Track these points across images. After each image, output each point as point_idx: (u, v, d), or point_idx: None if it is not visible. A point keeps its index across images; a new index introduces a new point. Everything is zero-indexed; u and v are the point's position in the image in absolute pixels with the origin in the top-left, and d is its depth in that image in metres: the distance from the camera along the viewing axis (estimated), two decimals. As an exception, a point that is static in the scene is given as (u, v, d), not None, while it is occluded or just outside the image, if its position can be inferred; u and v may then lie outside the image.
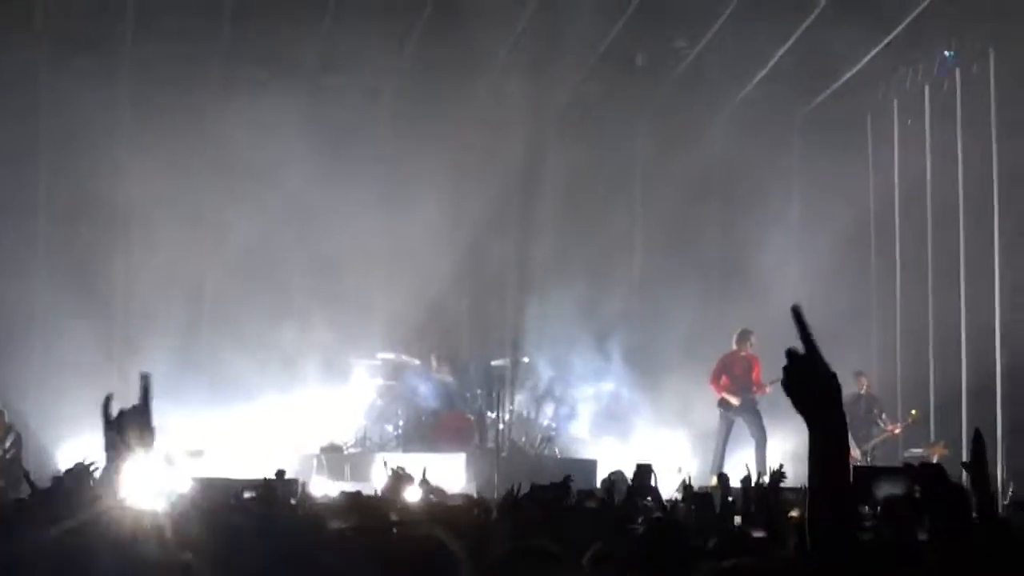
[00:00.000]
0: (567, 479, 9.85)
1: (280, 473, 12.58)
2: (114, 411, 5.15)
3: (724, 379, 20.51)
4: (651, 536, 6.50)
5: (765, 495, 9.59)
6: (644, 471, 8.87)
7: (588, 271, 22.47)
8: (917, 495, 5.62)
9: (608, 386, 22.25)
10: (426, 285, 21.38)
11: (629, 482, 11.87)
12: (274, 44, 21.01)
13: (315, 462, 19.58)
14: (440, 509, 9.11)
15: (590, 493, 10.88)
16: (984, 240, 20.33)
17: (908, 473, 6.59)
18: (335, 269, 21.28)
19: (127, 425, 5.09)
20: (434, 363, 21.60)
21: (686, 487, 10.72)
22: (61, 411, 20.07)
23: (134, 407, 5.03)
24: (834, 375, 3.42)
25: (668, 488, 13.60)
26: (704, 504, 9.77)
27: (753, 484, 10.40)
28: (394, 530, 6.22)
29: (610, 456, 19.92)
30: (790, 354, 3.41)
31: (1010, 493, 17.91)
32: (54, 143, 21.13)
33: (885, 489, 6.78)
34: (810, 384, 3.40)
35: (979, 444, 5.50)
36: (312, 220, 21.24)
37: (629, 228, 22.88)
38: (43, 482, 10.13)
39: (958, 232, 21.11)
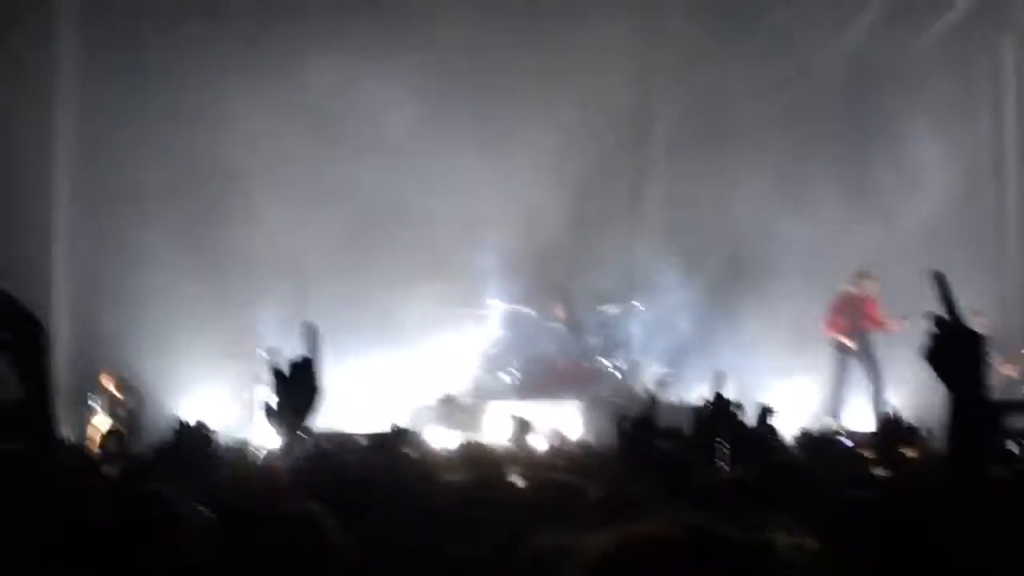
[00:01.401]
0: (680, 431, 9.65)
1: (395, 427, 12.60)
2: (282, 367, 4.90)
3: (840, 320, 20.35)
4: (770, 473, 6.42)
5: (888, 434, 9.47)
6: (766, 412, 8.75)
7: (700, 215, 22.30)
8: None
9: (723, 333, 22.07)
10: (536, 232, 21.34)
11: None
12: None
13: (430, 413, 19.62)
14: (563, 457, 9.11)
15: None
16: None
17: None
18: (444, 220, 21.24)
19: (293, 390, 4.86)
20: (560, 312, 21.58)
21: (804, 431, 10.64)
22: (179, 372, 20.41)
23: (302, 362, 4.81)
24: (982, 339, 3.34)
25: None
26: (824, 446, 9.68)
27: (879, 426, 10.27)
28: (514, 481, 6.21)
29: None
30: (936, 321, 3.32)
31: None
32: (159, 108, 21.31)
33: (1016, 422, 6.65)
34: (955, 351, 3.30)
35: None
36: (421, 172, 21.20)
37: (741, 168, 22.59)
38: (162, 437, 10.25)
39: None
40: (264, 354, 19.93)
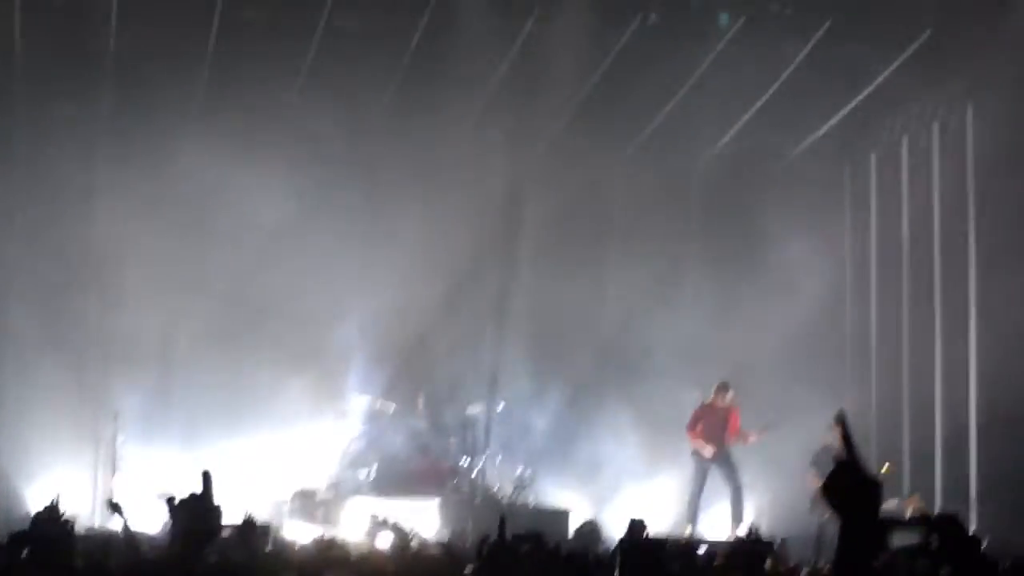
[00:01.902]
0: (539, 536, 9.63)
1: (250, 519, 12.41)
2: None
3: (699, 428, 20.49)
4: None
5: (745, 548, 9.54)
6: (638, 527, 8.72)
7: (567, 316, 22.37)
8: (933, 545, 5.61)
9: (584, 435, 22.17)
10: (402, 325, 21.30)
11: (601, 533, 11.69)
12: (254, 85, 20.92)
13: (287, 507, 19.40)
14: (420, 559, 9.05)
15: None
16: (960, 298, 20.41)
17: (923, 524, 6.55)
18: (310, 313, 21.16)
19: (191, 514, 4.79)
20: (420, 406, 21.49)
21: (670, 540, 10.65)
22: (33, 452, 19.96)
23: (195, 497, 4.74)
24: (878, 484, 3.48)
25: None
26: (685, 555, 9.71)
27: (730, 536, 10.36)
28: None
29: (585, 505, 19.99)
30: (837, 463, 3.49)
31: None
32: (27, 188, 20.99)
33: (900, 539, 6.72)
34: (853, 491, 3.44)
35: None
36: (289, 264, 21.09)
37: (608, 274, 22.84)
38: (13, 524, 10.02)
39: (933, 286, 21.18)
40: (123, 441, 19.70)
